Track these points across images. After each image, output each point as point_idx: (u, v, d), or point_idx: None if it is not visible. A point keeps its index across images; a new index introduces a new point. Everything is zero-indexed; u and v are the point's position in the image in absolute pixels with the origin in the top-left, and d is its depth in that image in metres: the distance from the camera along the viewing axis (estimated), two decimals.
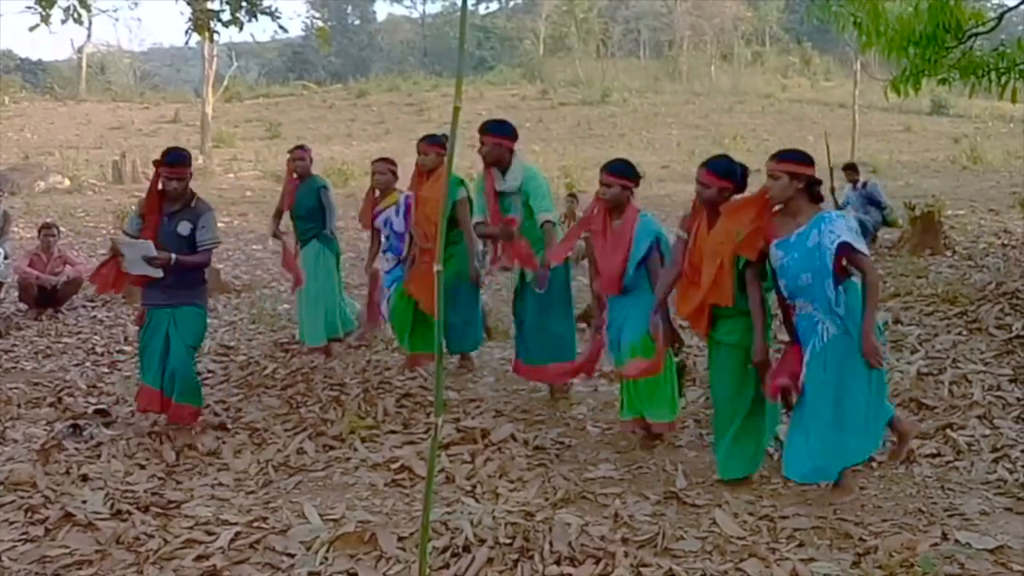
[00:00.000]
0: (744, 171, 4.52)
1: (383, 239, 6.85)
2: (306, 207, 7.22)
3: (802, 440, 4.25)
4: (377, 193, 6.93)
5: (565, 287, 5.91)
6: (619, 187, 5.01)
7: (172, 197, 5.38)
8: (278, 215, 7.50)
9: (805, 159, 4.22)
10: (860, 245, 4.08)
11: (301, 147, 7.51)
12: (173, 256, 5.26)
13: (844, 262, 4.11)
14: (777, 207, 4.26)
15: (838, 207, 11.61)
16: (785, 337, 5.78)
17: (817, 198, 4.22)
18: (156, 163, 5.36)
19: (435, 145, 6.30)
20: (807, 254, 4.10)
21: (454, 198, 6.07)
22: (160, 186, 5.37)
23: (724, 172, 4.45)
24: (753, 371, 4.46)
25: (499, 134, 5.78)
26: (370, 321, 7.46)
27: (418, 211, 6.33)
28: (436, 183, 6.27)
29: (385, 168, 6.93)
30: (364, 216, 7.10)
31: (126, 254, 5.27)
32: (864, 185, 11.66)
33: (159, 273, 5.27)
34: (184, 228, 5.37)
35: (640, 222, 5.02)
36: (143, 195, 5.49)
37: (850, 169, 11.97)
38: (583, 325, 6.80)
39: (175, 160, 5.34)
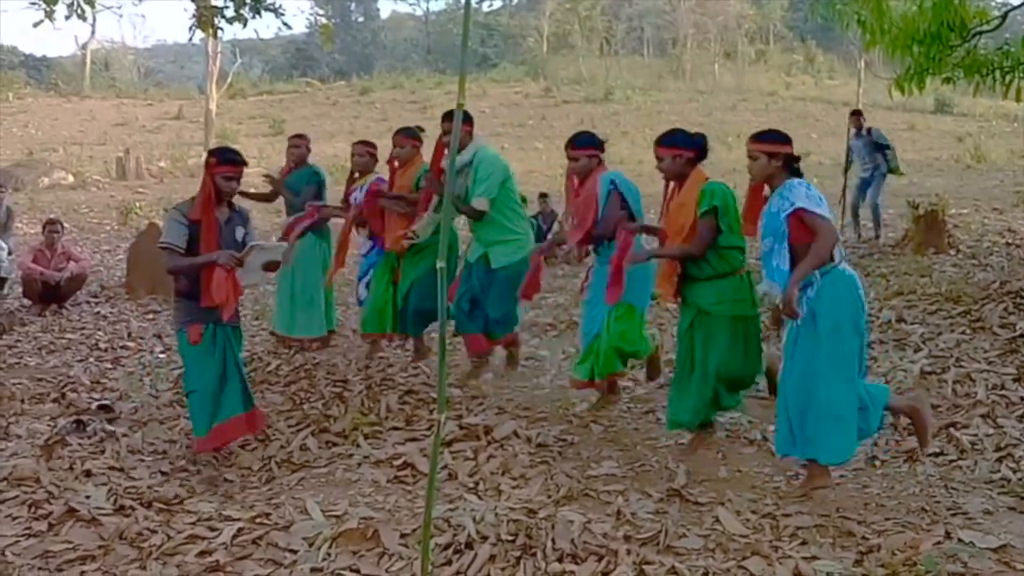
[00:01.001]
0: (699, 139, 4.91)
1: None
2: (299, 190, 7.29)
3: (781, 412, 4.37)
4: (356, 175, 7.02)
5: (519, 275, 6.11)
6: (585, 158, 5.44)
7: (226, 201, 4.99)
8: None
9: (782, 138, 4.38)
10: (817, 209, 4.15)
11: (299, 135, 7.64)
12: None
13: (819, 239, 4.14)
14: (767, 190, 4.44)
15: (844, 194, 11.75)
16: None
17: (796, 174, 4.34)
18: (210, 163, 4.93)
19: (411, 138, 6.57)
20: (770, 219, 4.26)
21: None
22: (215, 188, 4.90)
23: (674, 142, 4.85)
24: (745, 330, 4.78)
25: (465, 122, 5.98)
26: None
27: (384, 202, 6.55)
28: (406, 173, 6.55)
29: (364, 150, 7.02)
30: (345, 198, 7.25)
31: (252, 261, 4.84)
32: (868, 132, 11.73)
33: (267, 280, 5.03)
34: (240, 233, 5.03)
35: (601, 178, 5.39)
36: (186, 199, 4.99)
37: (856, 115, 12.01)
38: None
39: (235, 159, 4.95)
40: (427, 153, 6.90)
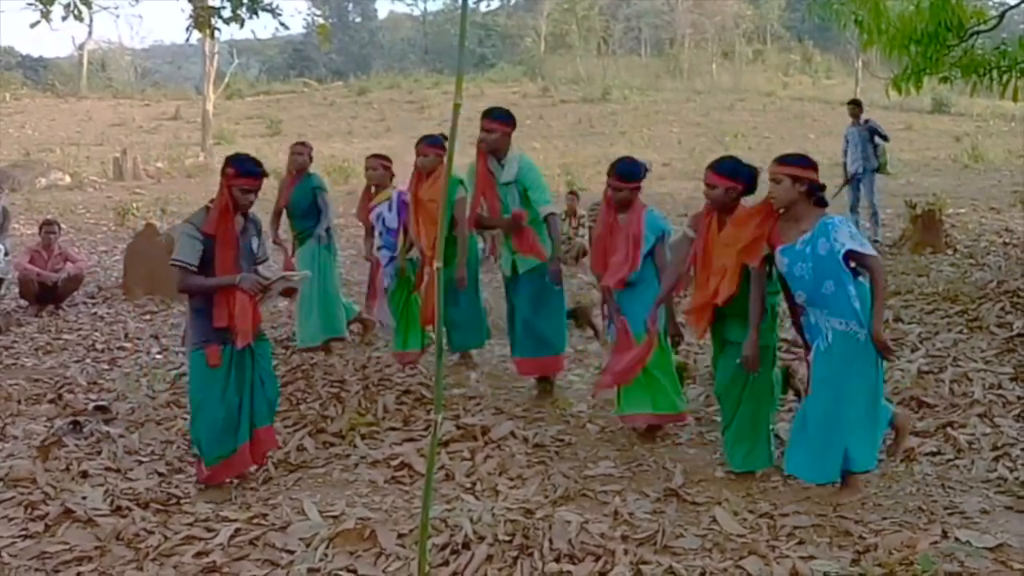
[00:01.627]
0: (753, 172, 4.54)
1: (376, 235, 6.84)
2: (302, 206, 7.24)
3: (803, 438, 4.27)
4: (373, 189, 6.95)
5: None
6: (628, 191, 5.08)
7: (243, 213, 4.69)
8: (277, 215, 7.49)
9: (808, 163, 4.22)
10: (864, 248, 4.08)
11: (301, 143, 7.52)
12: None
13: (852, 264, 4.11)
14: (780, 211, 4.26)
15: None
16: (786, 335, 5.83)
17: (821, 203, 4.22)
18: (228, 173, 4.61)
19: (434, 147, 6.27)
20: (822, 262, 4.08)
21: (453, 198, 6.07)
22: (232, 200, 4.59)
23: (730, 172, 4.48)
24: (770, 368, 4.53)
25: (504, 122, 5.76)
26: (371, 303, 7.32)
27: (418, 212, 6.31)
28: (435, 184, 6.25)
29: (378, 164, 6.92)
30: (361, 212, 7.17)
31: (276, 287, 4.68)
32: (867, 122, 11.81)
33: (278, 302, 4.91)
34: (254, 244, 4.77)
35: (647, 218, 5.08)
36: (199, 210, 4.69)
37: (854, 104, 12.05)
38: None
39: (254, 171, 4.67)
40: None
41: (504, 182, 5.78)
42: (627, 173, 5.10)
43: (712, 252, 4.48)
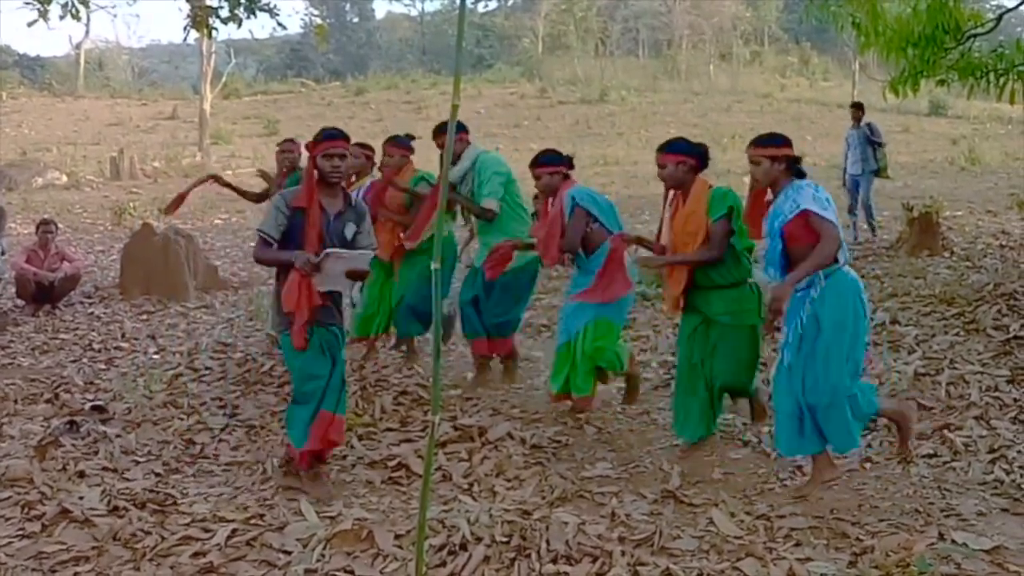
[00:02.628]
0: (701, 148, 4.87)
1: None
2: None
3: (784, 419, 4.37)
4: (353, 177, 6.99)
5: (532, 283, 6.30)
6: (547, 175, 5.47)
7: (333, 188, 4.50)
8: (257, 201, 7.61)
9: (782, 141, 4.37)
10: (823, 212, 4.14)
11: (290, 140, 7.55)
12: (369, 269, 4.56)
13: (822, 242, 4.13)
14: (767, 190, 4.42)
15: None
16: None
17: (800, 175, 4.33)
18: (309, 146, 4.47)
19: (400, 147, 6.52)
20: (775, 219, 4.26)
21: (415, 190, 6.39)
22: (318, 171, 4.44)
23: (678, 150, 4.82)
24: (747, 346, 4.81)
25: (443, 133, 6.02)
26: None
27: (377, 211, 6.42)
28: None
29: (359, 152, 6.95)
30: None
31: (332, 268, 4.35)
32: (868, 126, 11.88)
33: (349, 287, 4.55)
34: (350, 231, 4.52)
35: (565, 196, 5.39)
36: (283, 189, 4.61)
37: (856, 108, 12.09)
38: None
39: (335, 133, 4.49)
40: (423, 158, 6.92)
41: (454, 181, 6.02)
42: (544, 160, 5.50)
43: (677, 227, 4.82)
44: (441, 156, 6.22)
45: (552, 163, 5.50)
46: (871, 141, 11.72)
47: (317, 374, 4.46)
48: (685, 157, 4.80)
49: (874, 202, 11.91)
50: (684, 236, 4.80)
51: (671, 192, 4.94)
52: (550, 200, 5.52)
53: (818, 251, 4.09)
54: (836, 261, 4.19)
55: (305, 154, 4.69)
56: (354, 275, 4.44)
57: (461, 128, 6.06)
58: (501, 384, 6.29)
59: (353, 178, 6.99)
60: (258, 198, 7.78)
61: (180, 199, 7.39)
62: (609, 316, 5.36)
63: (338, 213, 4.50)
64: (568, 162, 5.56)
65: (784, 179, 4.30)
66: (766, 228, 4.37)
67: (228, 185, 7.62)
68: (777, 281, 4.23)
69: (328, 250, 4.33)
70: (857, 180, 11.80)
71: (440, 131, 6.09)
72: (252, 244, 14.45)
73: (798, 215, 4.14)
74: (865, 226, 11.85)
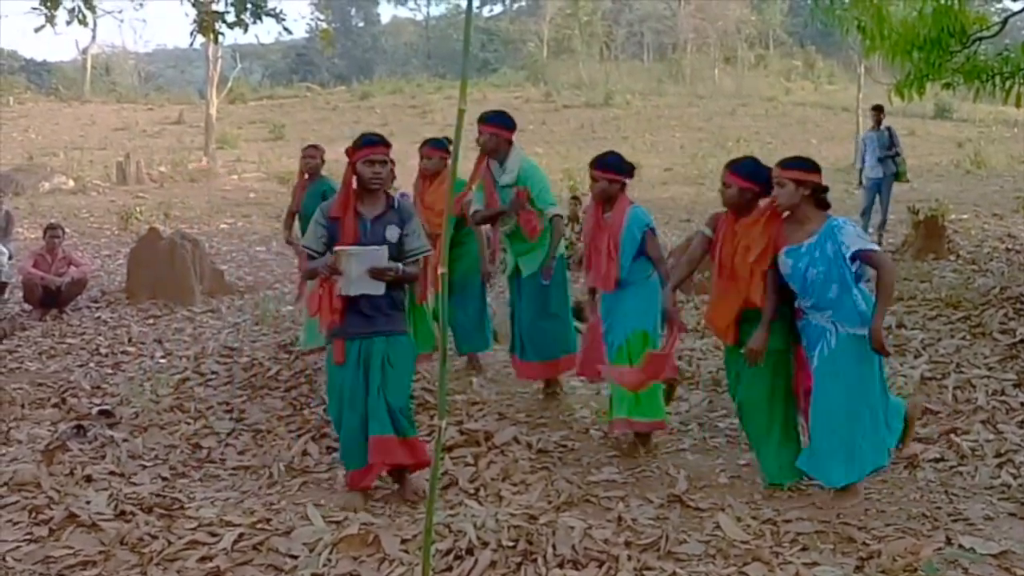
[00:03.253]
0: (770, 174, 4.42)
1: None
2: (312, 208, 7.21)
3: (821, 442, 4.28)
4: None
5: (563, 283, 5.92)
6: (606, 181, 5.04)
7: (373, 194, 4.40)
8: (291, 216, 7.47)
9: (811, 166, 4.24)
10: (871, 246, 4.12)
11: (313, 146, 7.48)
12: (399, 265, 4.33)
13: (855, 267, 4.13)
14: (785, 214, 4.28)
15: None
16: None
17: (824, 205, 4.23)
18: (348, 152, 4.38)
19: (439, 149, 6.31)
20: (830, 264, 4.11)
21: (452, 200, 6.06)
22: (355, 180, 4.37)
23: (746, 173, 4.40)
24: (784, 375, 4.46)
25: (497, 124, 5.75)
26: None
27: (422, 215, 6.31)
28: (439, 188, 6.27)
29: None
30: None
31: (349, 268, 4.23)
32: (888, 130, 11.84)
33: (381, 290, 4.30)
34: (393, 233, 4.38)
35: (631, 214, 5.02)
36: (330, 194, 4.69)
37: (877, 110, 12.04)
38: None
39: (375, 139, 4.41)
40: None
41: (503, 184, 5.78)
42: (604, 164, 5.06)
43: (731, 255, 4.42)
44: (450, 157, 6.13)
45: (614, 170, 5.07)
46: (891, 147, 11.69)
47: (337, 392, 4.44)
48: (752, 183, 4.39)
49: (891, 208, 11.89)
50: (740, 269, 4.38)
51: (727, 214, 4.52)
52: (597, 208, 5.16)
53: (886, 285, 4.05)
54: (859, 279, 4.18)
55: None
56: (379, 274, 4.26)
57: (511, 124, 5.79)
58: (542, 406, 6.07)
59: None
60: (294, 212, 7.57)
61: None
62: (647, 327, 5.04)
63: (377, 216, 4.40)
64: (631, 172, 5.16)
65: (808, 207, 4.18)
66: (787, 264, 4.22)
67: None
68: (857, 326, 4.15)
69: (337, 248, 4.26)
70: (877, 183, 11.75)
71: (483, 120, 5.77)
72: (259, 249, 14.49)
73: (857, 255, 4.06)
74: (871, 230, 11.83)
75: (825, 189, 4.24)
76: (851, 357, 4.17)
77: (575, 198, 12.50)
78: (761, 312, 4.35)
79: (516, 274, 5.93)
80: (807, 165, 4.24)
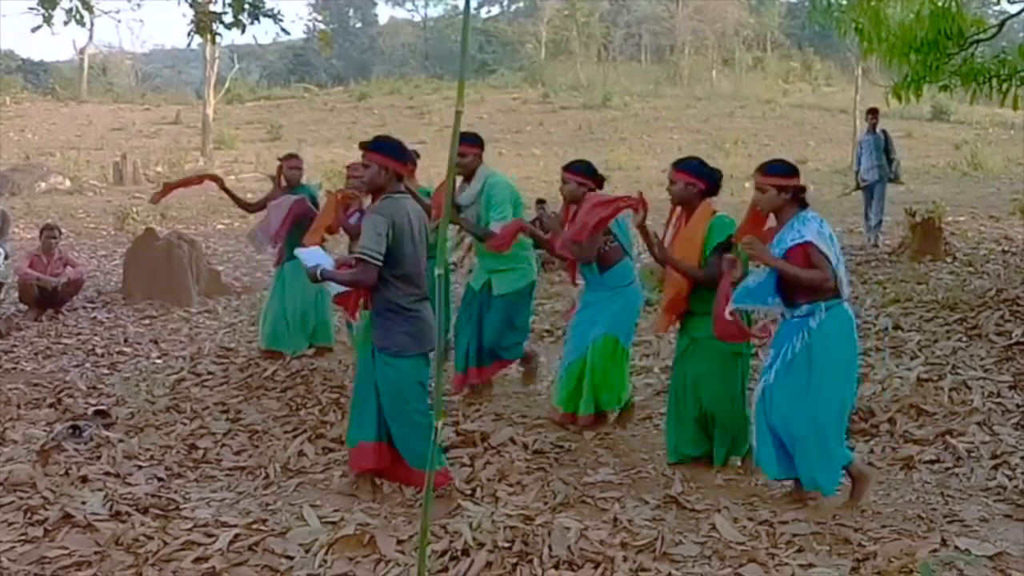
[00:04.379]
0: (715, 174, 4.82)
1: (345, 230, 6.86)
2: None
3: (765, 442, 4.34)
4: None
5: (530, 301, 6.24)
6: (574, 183, 5.41)
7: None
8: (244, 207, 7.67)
9: (790, 171, 4.33)
10: (825, 248, 4.13)
11: (294, 155, 7.50)
12: (319, 267, 4.43)
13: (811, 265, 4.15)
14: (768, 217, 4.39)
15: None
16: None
17: (803, 205, 4.31)
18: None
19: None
20: (776, 246, 4.22)
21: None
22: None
23: (691, 170, 4.75)
24: (735, 371, 4.69)
25: (471, 144, 5.87)
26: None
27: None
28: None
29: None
30: (341, 217, 7.16)
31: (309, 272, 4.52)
32: (884, 133, 11.87)
33: (330, 289, 4.61)
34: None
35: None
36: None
37: (871, 113, 12.06)
38: None
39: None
40: (427, 161, 6.87)
41: (461, 204, 5.87)
42: (574, 169, 5.49)
43: (675, 247, 4.73)
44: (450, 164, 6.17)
45: (585, 174, 5.45)
46: (887, 150, 11.73)
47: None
48: (696, 179, 4.73)
49: (887, 210, 11.91)
50: (680, 257, 4.70)
51: (676, 209, 4.86)
52: (571, 208, 5.46)
53: (813, 272, 4.10)
54: (838, 296, 4.18)
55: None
56: (311, 278, 4.48)
57: (476, 141, 5.91)
58: (520, 387, 6.37)
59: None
60: (254, 208, 7.71)
61: (168, 189, 7.36)
62: (617, 333, 5.32)
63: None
64: (599, 181, 5.51)
65: (790, 209, 4.26)
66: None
67: (226, 190, 7.55)
68: (776, 306, 4.24)
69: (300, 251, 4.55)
70: (872, 186, 11.79)
71: (463, 141, 5.73)
72: (254, 249, 14.48)
73: (800, 245, 4.11)
74: (870, 232, 11.85)
75: (803, 189, 4.32)
76: (796, 374, 4.20)
77: (540, 201, 12.55)
78: (706, 303, 4.54)
79: (485, 290, 5.98)
80: (787, 169, 4.33)
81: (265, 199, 7.52)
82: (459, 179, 5.91)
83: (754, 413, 4.42)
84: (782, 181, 4.26)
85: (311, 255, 4.61)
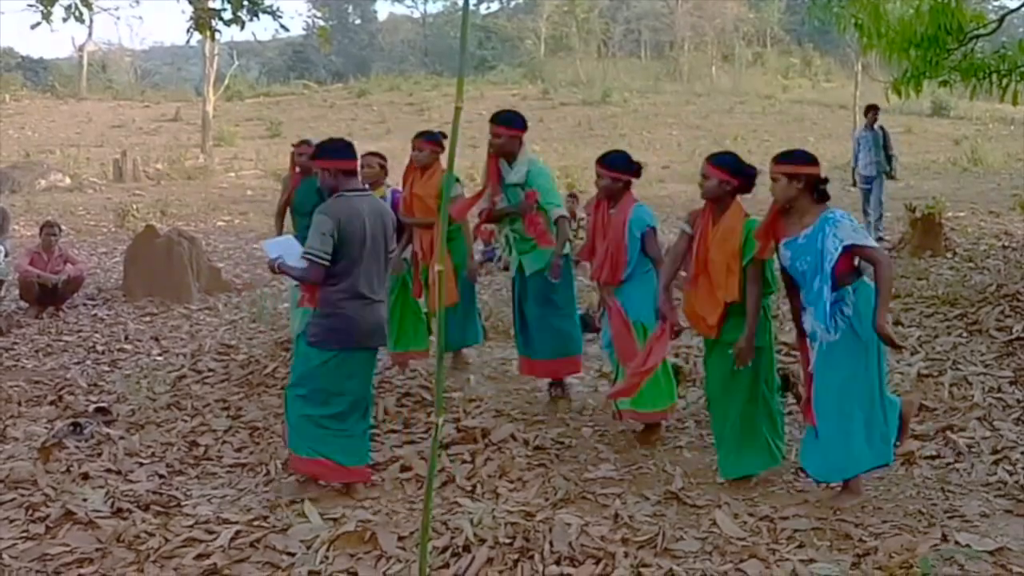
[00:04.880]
0: (750, 170, 4.54)
1: None
2: (307, 206, 7.18)
3: (812, 436, 4.29)
4: (367, 186, 6.91)
5: (569, 281, 5.93)
6: (610, 179, 5.13)
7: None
8: (280, 214, 7.43)
9: (805, 159, 4.24)
10: (867, 241, 4.10)
11: (306, 142, 7.45)
12: (279, 259, 4.57)
13: (856, 261, 4.13)
14: (784, 208, 4.27)
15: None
16: (785, 338, 5.84)
17: (823, 197, 4.22)
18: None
19: (431, 142, 6.31)
20: (817, 257, 4.10)
21: (450, 195, 6.06)
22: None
23: (726, 166, 4.50)
24: (748, 369, 4.50)
25: (512, 126, 5.80)
26: None
27: (414, 206, 6.33)
28: (430, 180, 6.27)
29: (374, 161, 6.87)
30: None
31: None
32: (882, 129, 11.89)
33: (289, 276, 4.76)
34: None
35: (634, 212, 5.10)
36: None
37: (872, 109, 12.04)
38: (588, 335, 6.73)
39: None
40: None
41: (511, 183, 5.80)
42: (609, 162, 5.16)
43: (709, 249, 4.51)
44: (443, 152, 6.20)
45: (618, 168, 5.15)
46: (885, 146, 11.73)
47: None
48: (731, 177, 4.49)
49: (886, 206, 11.91)
50: (715, 263, 4.49)
51: (707, 207, 4.62)
52: (601, 203, 5.25)
53: (885, 280, 4.02)
54: (861, 274, 4.17)
55: None
56: (270, 268, 4.74)
57: (521, 124, 5.84)
58: (522, 383, 6.30)
59: (367, 186, 6.90)
60: (286, 205, 7.55)
61: None
62: (643, 319, 5.09)
63: None
64: (636, 172, 5.21)
65: (805, 200, 4.17)
66: (786, 256, 4.24)
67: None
68: (814, 321, 4.18)
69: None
70: (870, 181, 11.79)
71: (495, 121, 5.82)
72: (256, 246, 14.47)
73: (846, 254, 4.04)
74: (869, 229, 11.86)
75: (823, 181, 4.22)
76: (845, 354, 4.16)
77: (572, 195, 12.51)
78: (742, 307, 4.42)
79: (519, 272, 5.94)
80: (800, 158, 4.24)
81: (285, 189, 7.42)
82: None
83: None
84: (794, 169, 4.17)
85: (275, 246, 4.77)
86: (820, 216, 4.13)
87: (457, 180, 6.27)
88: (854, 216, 4.30)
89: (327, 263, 4.34)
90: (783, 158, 4.25)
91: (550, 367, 5.97)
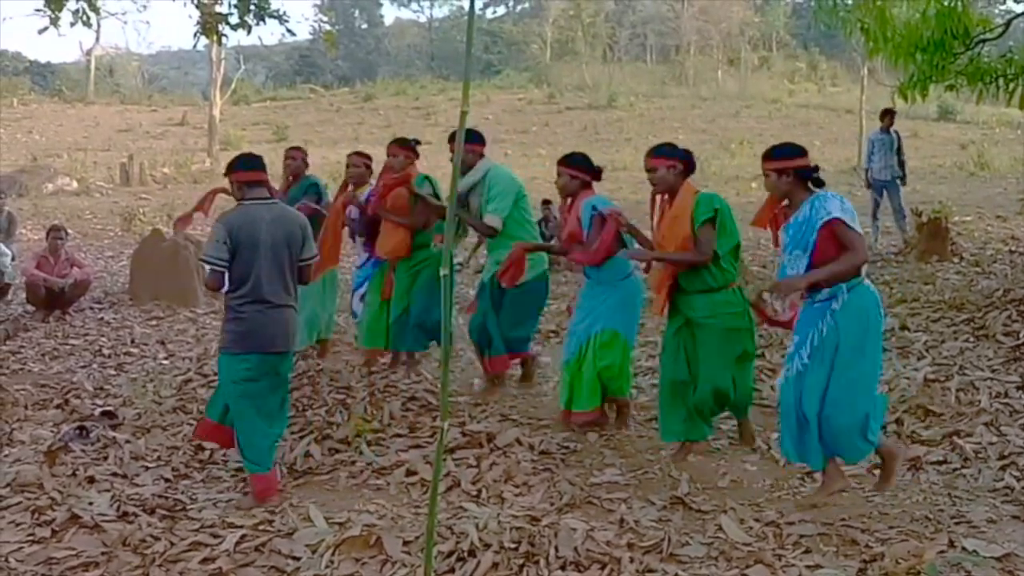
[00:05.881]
0: (687, 152, 4.94)
1: (347, 226, 6.96)
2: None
3: (789, 426, 4.35)
4: (351, 186, 6.96)
5: (544, 296, 6.26)
6: (568, 176, 5.45)
7: None
8: None
9: (789, 153, 4.33)
10: (853, 223, 4.12)
11: (296, 148, 7.54)
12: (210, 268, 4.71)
13: (840, 243, 4.12)
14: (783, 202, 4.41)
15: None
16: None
17: (818, 183, 4.30)
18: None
19: (404, 148, 6.46)
20: (797, 229, 4.20)
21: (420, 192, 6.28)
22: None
23: (665, 153, 4.88)
24: (739, 343, 4.83)
25: (468, 141, 5.90)
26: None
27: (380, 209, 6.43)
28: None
29: (359, 161, 6.95)
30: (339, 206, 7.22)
31: None
32: (897, 134, 11.85)
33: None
34: None
35: (584, 204, 5.37)
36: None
37: (888, 113, 11.98)
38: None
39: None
40: (433, 164, 6.91)
41: (459, 192, 5.88)
42: (569, 161, 5.51)
43: (663, 231, 4.87)
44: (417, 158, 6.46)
45: (574, 166, 5.48)
46: (899, 151, 11.70)
47: None
48: (674, 161, 4.85)
49: (905, 205, 11.87)
50: (672, 240, 4.83)
51: (660, 198, 5.00)
52: (567, 201, 5.55)
53: (845, 259, 4.05)
54: (859, 274, 4.18)
55: None
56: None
57: (478, 139, 6.03)
58: (519, 388, 6.37)
59: (351, 186, 6.95)
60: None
61: (187, 217, 7.33)
62: (617, 327, 5.32)
63: None
64: (595, 173, 5.52)
65: (799, 191, 4.26)
66: (784, 240, 4.31)
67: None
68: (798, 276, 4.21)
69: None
70: (884, 186, 11.73)
71: (452, 139, 5.99)
72: None
73: (828, 223, 4.07)
74: (897, 230, 11.81)
75: (814, 170, 4.30)
76: (833, 350, 4.17)
77: (546, 201, 12.56)
78: (692, 282, 4.79)
79: (496, 286, 5.97)
80: (785, 152, 4.33)
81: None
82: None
83: (779, 399, 4.44)
84: (780, 164, 4.27)
85: None
86: (811, 197, 4.22)
87: (427, 178, 6.34)
88: (859, 218, 4.29)
89: (223, 268, 4.54)
90: (769, 155, 4.37)
91: (507, 361, 6.22)
